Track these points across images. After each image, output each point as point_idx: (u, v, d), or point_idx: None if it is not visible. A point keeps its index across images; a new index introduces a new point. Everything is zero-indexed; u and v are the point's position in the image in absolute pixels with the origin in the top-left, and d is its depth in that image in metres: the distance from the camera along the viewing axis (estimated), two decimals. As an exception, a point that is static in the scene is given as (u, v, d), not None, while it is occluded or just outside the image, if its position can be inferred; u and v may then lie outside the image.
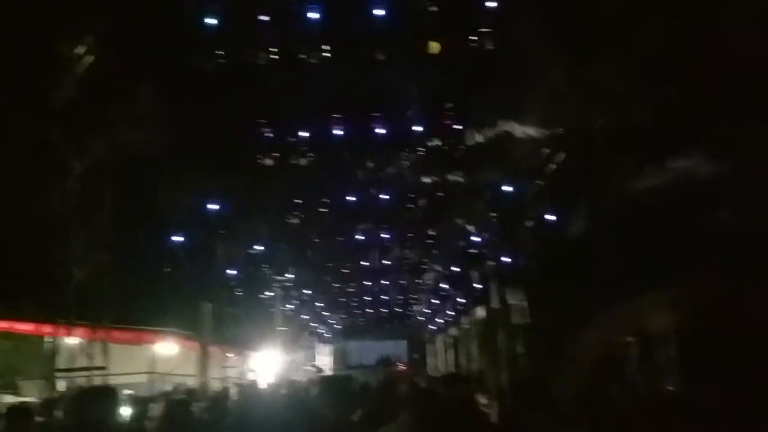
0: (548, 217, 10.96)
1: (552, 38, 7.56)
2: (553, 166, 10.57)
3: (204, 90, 8.97)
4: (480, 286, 17.41)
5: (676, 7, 6.91)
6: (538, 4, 7.83)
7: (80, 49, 8.33)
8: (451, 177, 13.24)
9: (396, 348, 38.22)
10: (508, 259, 13.34)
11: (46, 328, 9.81)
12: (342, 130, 10.37)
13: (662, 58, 7.15)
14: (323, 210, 14.48)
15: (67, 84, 8.34)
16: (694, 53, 7.02)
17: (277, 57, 8.33)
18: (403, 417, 4.81)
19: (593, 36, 7.21)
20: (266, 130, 10.31)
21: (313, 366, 28.63)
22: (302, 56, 8.41)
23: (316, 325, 32.42)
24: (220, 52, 8.20)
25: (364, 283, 24.50)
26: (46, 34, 8.22)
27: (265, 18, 8.24)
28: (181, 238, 11.77)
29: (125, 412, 8.09)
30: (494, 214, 12.23)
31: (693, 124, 7.51)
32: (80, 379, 9.49)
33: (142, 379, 14.00)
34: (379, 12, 8.09)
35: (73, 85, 8.35)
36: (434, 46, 7.93)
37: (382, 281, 24.46)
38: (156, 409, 8.78)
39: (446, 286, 22.55)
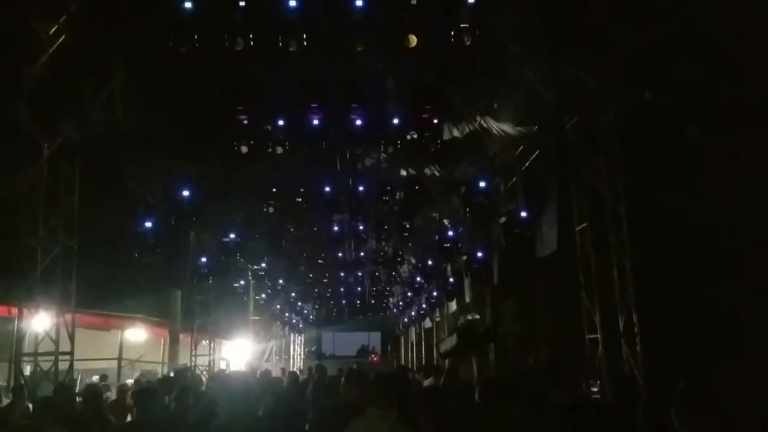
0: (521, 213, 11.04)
1: (528, 36, 7.58)
2: (526, 164, 10.65)
3: (179, 74, 8.84)
4: (452, 280, 17.56)
5: (650, 7, 6.98)
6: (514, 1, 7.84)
7: (53, 28, 8.16)
8: (427, 170, 13.29)
9: (370, 339, 38.45)
10: (480, 254, 13.43)
11: (12, 311, 9.65)
12: (319, 120, 10.31)
13: (636, 57, 7.23)
14: (299, 200, 14.41)
15: (37, 63, 8.18)
16: (668, 53, 7.11)
17: (254, 44, 8.22)
18: (372, 409, 4.80)
19: (568, 34, 7.25)
20: (242, 117, 10.19)
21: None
22: (280, 44, 8.32)
23: (290, 314, 32.36)
24: (196, 36, 8.06)
25: (339, 273, 24.50)
26: (19, 12, 8.05)
27: (243, 3, 8.13)
28: (152, 224, 11.60)
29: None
30: (468, 209, 12.27)
31: (665, 124, 7.61)
32: (45, 364, 9.34)
33: (110, 365, 13.83)
34: (358, 2, 8.05)
35: (44, 64, 8.19)
36: (412, 39, 7.89)
37: (356, 272, 24.49)
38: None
39: (420, 279, 22.67)
